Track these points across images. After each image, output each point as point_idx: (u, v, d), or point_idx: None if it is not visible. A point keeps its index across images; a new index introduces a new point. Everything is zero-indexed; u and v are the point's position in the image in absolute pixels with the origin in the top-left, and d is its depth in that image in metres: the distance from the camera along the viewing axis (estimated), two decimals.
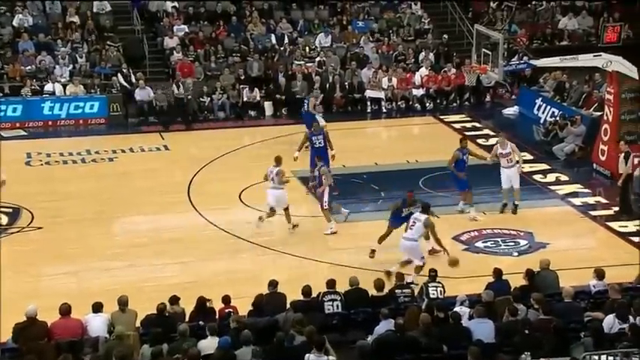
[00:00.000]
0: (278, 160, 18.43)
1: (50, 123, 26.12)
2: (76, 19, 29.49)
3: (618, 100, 21.22)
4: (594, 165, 22.14)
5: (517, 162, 19.18)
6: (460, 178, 18.98)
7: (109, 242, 18.41)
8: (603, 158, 21.74)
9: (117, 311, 13.12)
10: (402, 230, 16.67)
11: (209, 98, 27.28)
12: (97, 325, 12.83)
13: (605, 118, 21.81)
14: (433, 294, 13.99)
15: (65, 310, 12.90)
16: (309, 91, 27.39)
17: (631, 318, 12.40)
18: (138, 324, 13.07)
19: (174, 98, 26.82)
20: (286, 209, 18.42)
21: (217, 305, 13.62)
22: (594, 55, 21.65)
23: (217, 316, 13.33)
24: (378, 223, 19.04)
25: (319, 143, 20.41)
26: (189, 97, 26.91)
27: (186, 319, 13.23)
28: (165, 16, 30.15)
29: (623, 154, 19.32)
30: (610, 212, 19.59)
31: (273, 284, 13.82)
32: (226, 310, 13.42)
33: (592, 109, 24.54)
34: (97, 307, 13.08)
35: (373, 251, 17.01)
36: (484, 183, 19.89)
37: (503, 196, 19.41)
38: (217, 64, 28.65)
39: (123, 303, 13.16)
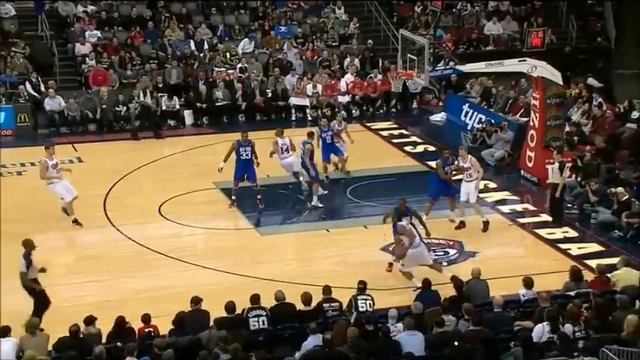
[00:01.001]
0: (281, 132, 20.44)
1: None
2: None
3: (544, 105, 21.16)
4: (522, 171, 22.05)
5: (476, 178, 18.97)
6: (433, 184, 19.07)
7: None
8: (530, 165, 21.68)
9: (26, 335, 12.64)
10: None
11: (125, 107, 26.31)
12: (3, 351, 12.26)
13: (531, 123, 21.73)
14: (362, 307, 13.72)
15: None
16: (232, 99, 26.76)
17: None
18: (50, 347, 12.61)
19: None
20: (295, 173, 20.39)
21: (137, 324, 13.14)
22: (519, 61, 21.58)
23: (137, 336, 12.91)
24: (304, 234, 18.79)
25: (246, 155, 19.74)
26: (104, 106, 26.04)
27: (104, 340, 12.80)
28: (76, 21, 29.17)
29: (557, 164, 19.13)
30: (538, 219, 19.55)
31: (195, 301, 13.48)
32: (146, 330, 13.04)
33: (518, 114, 24.53)
34: (4, 331, 12.54)
35: (390, 264, 16.86)
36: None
37: (458, 211, 19.04)
38: (133, 72, 27.83)
39: (33, 326, 12.73)
